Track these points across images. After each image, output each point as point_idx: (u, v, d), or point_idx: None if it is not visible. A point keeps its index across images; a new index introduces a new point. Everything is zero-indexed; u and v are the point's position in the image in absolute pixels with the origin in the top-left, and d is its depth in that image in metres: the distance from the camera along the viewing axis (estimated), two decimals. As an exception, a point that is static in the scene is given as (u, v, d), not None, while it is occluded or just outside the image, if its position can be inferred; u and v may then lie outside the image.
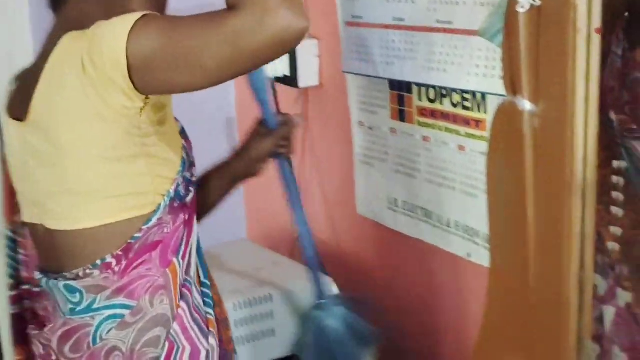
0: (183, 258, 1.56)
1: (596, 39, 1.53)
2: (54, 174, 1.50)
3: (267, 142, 1.94)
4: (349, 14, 2.23)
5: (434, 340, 2.18)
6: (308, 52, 2.40)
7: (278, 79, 2.44)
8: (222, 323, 1.72)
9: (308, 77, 2.40)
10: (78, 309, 1.51)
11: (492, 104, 1.87)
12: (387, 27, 2.12)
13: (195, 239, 1.64)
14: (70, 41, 1.46)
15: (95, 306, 1.50)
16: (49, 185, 1.52)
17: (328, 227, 2.47)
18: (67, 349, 1.54)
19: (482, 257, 1.95)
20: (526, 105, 1.62)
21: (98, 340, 1.51)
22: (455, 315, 2.08)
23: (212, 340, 1.60)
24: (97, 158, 1.46)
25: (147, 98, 1.41)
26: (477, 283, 1.90)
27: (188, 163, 1.60)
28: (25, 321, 1.67)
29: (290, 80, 2.41)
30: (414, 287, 2.20)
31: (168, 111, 1.54)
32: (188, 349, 1.54)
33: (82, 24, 1.46)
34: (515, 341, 1.74)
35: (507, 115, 1.66)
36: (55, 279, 1.54)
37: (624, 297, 1.68)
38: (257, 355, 2.17)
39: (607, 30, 1.57)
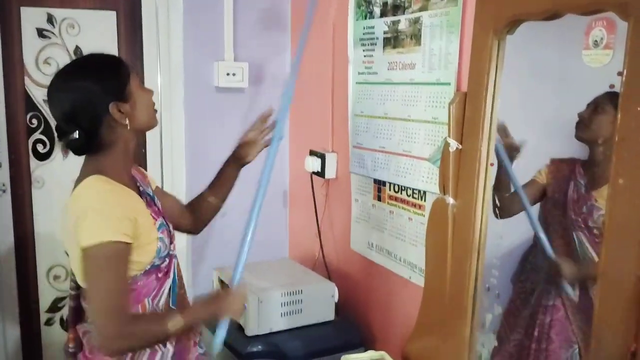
0: (153, 299, 1.38)
1: (490, 168, 1.49)
2: None
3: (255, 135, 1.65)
4: (355, 141, 2.21)
5: (387, 320, 2.11)
6: (331, 160, 2.34)
7: (314, 173, 2.39)
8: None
9: (330, 172, 2.35)
10: None
11: (429, 197, 1.85)
12: (375, 150, 2.09)
13: (167, 287, 1.41)
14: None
15: None
16: None
17: (335, 255, 2.40)
18: (85, 341, 1.43)
19: (417, 279, 1.91)
20: (450, 200, 1.57)
21: None
22: (401, 309, 2.03)
23: (169, 346, 1.39)
24: None
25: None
26: (414, 294, 1.85)
27: (164, 248, 1.39)
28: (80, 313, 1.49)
29: (320, 174, 2.37)
30: (379, 291, 2.15)
31: (138, 244, 1.32)
32: (148, 351, 1.37)
33: (100, 171, 1.33)
34: (435, 327, 1.65)
35: (439, 205, 1.60)
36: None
37: (498, 309, 1.66)
38: (292, 323, 2.06)
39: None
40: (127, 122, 1.33)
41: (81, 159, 1.39)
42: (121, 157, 1.38)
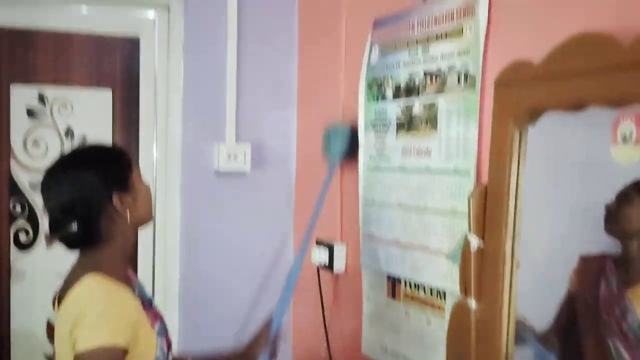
0: None
1: (515, 270, 1.46)
2: None
3: (262, 347, 1.69)
4: (366, 231, 2.18)
5: None
6: (340, 252, 2.32)
7: (322, 267, 2.37)
8: None
9: (339, 266, 2.32)
10: None
11: (449, 298, 1.81)
12: (388, 242, 2.06)
13: None
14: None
15: None
16: None
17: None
18: None
19: (438, 393, 1.84)
20: (472, 304, 1.54)
21: None
22: None
23: None
24: None
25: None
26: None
27: (162, 357, 1.38)
28: None
29: (328, 267, 2.34)
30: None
31: (136, 351, 1.31)
32: None
33: (97, 268, 1.34)
34: None
35: (460, 309, 1.58)
36: None
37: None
38: None
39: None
40: (128, 213, 1.36)
41: (66, 250, 1.40)
42: (119, 252, 1.41)
